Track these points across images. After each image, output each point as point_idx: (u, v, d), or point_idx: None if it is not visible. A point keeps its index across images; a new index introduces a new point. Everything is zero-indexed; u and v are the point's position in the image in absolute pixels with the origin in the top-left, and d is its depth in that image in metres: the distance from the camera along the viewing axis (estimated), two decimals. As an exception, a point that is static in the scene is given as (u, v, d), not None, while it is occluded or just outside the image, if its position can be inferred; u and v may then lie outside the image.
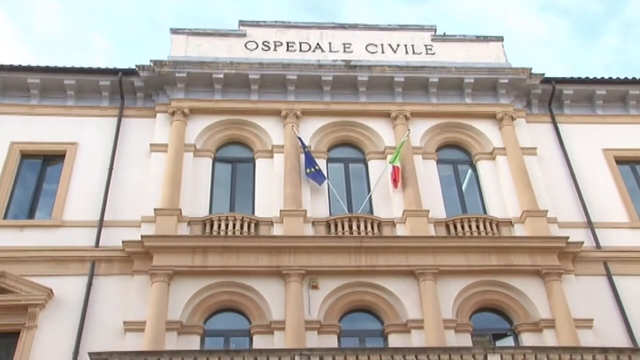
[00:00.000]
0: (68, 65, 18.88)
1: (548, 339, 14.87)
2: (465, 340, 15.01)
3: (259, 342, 14.71)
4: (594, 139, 19.00)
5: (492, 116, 19.02)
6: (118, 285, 15.27)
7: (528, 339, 15.02)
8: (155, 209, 16.20)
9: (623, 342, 14.70)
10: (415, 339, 14.87)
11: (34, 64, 18.86)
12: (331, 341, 14.82)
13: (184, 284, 15.26)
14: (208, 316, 15.28)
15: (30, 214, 16.80)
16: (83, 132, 17.99)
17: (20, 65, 18.69)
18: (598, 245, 16.73)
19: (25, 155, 17.70)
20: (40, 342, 14.19)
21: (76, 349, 14.00)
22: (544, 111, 19.72)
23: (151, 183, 16.95)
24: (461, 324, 15.31)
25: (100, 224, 16.10)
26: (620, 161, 18.70)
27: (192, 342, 14.57)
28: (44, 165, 17.72)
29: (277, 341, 14.60)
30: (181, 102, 18.39)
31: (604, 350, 12.32)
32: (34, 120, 18.08)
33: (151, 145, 17.73)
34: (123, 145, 17.80)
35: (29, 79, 18.36)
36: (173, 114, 18.19)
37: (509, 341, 15.39)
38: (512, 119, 18.84)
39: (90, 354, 11.72)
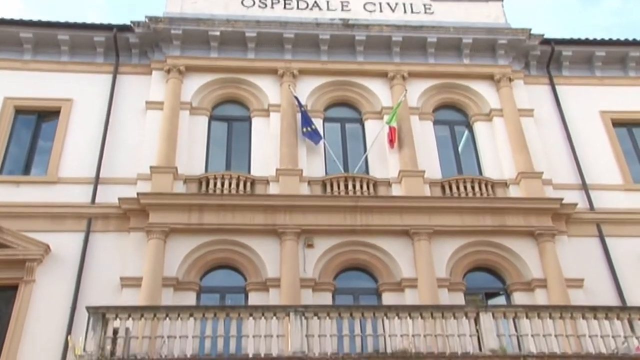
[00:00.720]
0: (62, 20, 18.58)
1: (539, 298, 15.12)
2: (459, 299, 15.22)
3: (255, 299, 14.90)
4: (591, 101, 18.94)
5: (489, 77, 18.91)
6: (114, 242, 15.36)
7: (520, 298, 15.26)
8: (151, 167, 16.19)
9: (612, 301, 14.95)
10: (409, 298, 15.07)
11: (26, 18, 18.58)
12: (326, 299, 15.02)
13: (180, 241, 15.36)
14: (204, 273, 15.43)
15: (26, 170, 16.76)
16: (78, 89, 17.79)
17: (12, 19, 18.39)
18: (592, 207, 16.88)
19: (19, 111, 17.55)
20: (39, 296, 14.35)
21: (74, 303, 14.17)
22: (542, 73, 19.59)
23: (147, 141, 16.89)
24: (454, 283, 15.51)
25: (96, 180, 16.10)
26: (617, 123, 18.69)
27: (188, 299, 14.75)
28: (38, 121, 17.59)
29: (272, 298, 14.78)
30: (177, 60, 18.19)
31: (593, 309, 12.52)
32: (27, 75, 17.84)
33: (147, 102, 17.61)
34: (118, 102, 17.66)
35: (21, 34, 18.06)
36: (169, 71, 18.02)
37: (501, 300, 15.64)
38: (510, 80, 18.74)
39: (88, 308, 11.85)
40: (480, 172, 17.59)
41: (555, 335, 12.18)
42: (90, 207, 15.75)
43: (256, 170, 16.94)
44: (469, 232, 16.03)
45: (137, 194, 15.59)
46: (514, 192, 16.91)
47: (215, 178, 16.41)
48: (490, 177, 17.24)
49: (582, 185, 17.23)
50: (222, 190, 16.17)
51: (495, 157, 17.69)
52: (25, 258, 14.61)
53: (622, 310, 12.74)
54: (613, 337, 12.21)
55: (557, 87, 19.13)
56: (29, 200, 15.66)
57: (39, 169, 16.78)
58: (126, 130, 17.18)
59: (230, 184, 16.31)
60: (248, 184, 16.52)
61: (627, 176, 17.63)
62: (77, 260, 14.84)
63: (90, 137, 16.90)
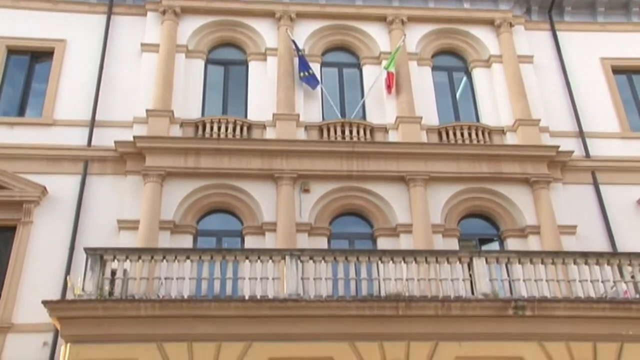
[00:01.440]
0: (54, -43, 18.06)
1: (532, 244, 15.32)
2: (453, 244, 15.41)
3: (251, 242, 15.06)
4: (592, 48, 18.70)
5: (490, 22, 18.63)
6: (111, 185, 15.39)
7: (513, 244, 15.46)
8: (147, 110, 16.08)
9: (604, 248, 15.16)
10: (404, 243, 15.24)
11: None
12: (321, 243, 15.18)
13: (176, 185, 15.40)
14: (201, 217, 15.54)
15: (20, 112, 16.62)
16: (71, 29, 17.46)
17: (2, -46, 17.90)
18: (587, 155, 16.92)
19: (12, 51, 17.26)
20: (37, 237, 14.48)
21: (72, 244, 14.33)
22: (544, 18, 19.27)
23: (143, 84, 16.71)
24: (449, 229, 15.67)
25: (92, 123, 16.00)
26: (617, 70, 18.52)
27: (185, 242, 14.90)
28: (32, 62, 17.31)
29: (269, 242, 14.95)
30: (172, 1, 17.81)
31: (585, 255, 12.69)
32: (19, 14, 17.47)
33: (142, 45, 17.34)
34: (113, 43, 17.36)
35: (12, -30, 17.64)
36: (164, 12, 17.68)
37: (494, 246, 15.85)
38: (511, 25, 18.46)
39: (86, 249, 11.96)
40: (478, 119, 17.54)
41: (547, 280, 12.39)
42: (86, 150, 15.70)
43: (253, 115, 16.85)
44: (464, 178, 16.10)
45: (134, 137, 15.53)
46: (510, 139, 16.90)
47: (211, 122, 16.32)
48: (487, 124, 17.20)
49: (579, 133, 17.22)
50: (218, 135, 16.12)
51: (493, 103, 17.60)
52: (23, 199, 14.66)
53: (613, 256, 12.92)
54: (602, 282, 12.43)
55: (558, 33, 18.86)
56: (24, 142, 15.58)
57: (33, 110, 16.64)
58: (121, 72, 16.96)
59: (226, 129, 16.24)
60: (245, 128, 16.45)
61: (625, 124, 17.60)
62: (74, 202, 14.90)
63: (85, 79, 16.69)
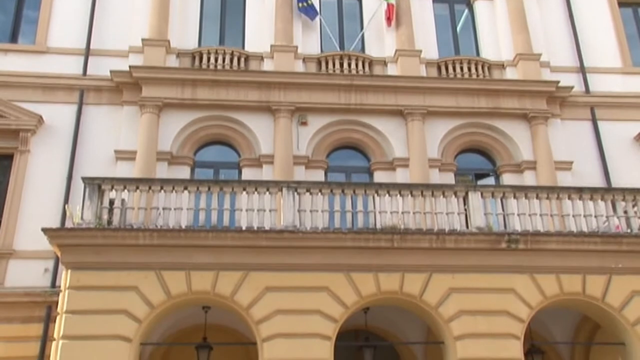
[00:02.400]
0: None
1: (528, 179, 15.43)
2: (449, 179, 15.50)
3: (248, 174, 15.12)
4: (598, -23, 18.29)
5: (492, -47, 18.14)
6: (108, 115, 15.31)
7: (509, 179, 15.57)
8: (142, 39, 15.81)
9: (599, 183, 15.32)
10: (400, 177, 15.32)
11: None
12: (318, 176, 15.26)
13: (173, 116, 15.32)
14: (198, 148, 15.53)
15: (13, 39, 16.29)
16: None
17: None
18: (587, 90, 16.81)
19: (2, -24, 16.85)
20: (34, 166, 14.51)
21: (69, 174, 14.38)
22: (548, -52, 18.75)
23: (138, 11, 16.36)
24: (446, 164, 15.73)
25: (87, 52, 15.75)
26: (623, 3, 18.14)
27: (183, 173, 14.95)
28: (23, -14, 16.94)
29: (266, 174, 15.02)
30: None
31: (579, 190, 12.79)
32: (8, -63, 16.95)
33: (137, -30, 16.89)
34: (107, -32, 16.92)
35: None
36: (159, -63, 17.11)
37: (490, 181, 15.95)
38: (514, -44, 17.98)
39: (84, 179, 11.99)
40: (478, 53, 17.32)
41: (541, 215, 12.53)
42: (81, 79, 15.52)
43: (250, 46, 16.59)
44: (462, 113, 16.04)
45: (129, 67, 15.34)
46: (510, 74, 16.75)
47: (208, 53, 16.08)
48: (487, 58, 16.99)
49: (579, 68, 17.05)
50: (215, 66, 15.91)
51: (494, 37, 17.34)
52: (19, 128, 14.62)
53: (607, 191, 13.03)
54: (596, 216, 12.58)
55: (562, -37, 18.39)
56: (18, 70, 15.36)
57: (26, 38, 16.32)
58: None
59: (224, 60, 16.02)
60: (242, 59, 16.22)
61: (627, 59, 17.39)
62: (70, 132, 14.85)
63: (79, 5, 16.33)
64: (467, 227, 12.42)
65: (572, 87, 16.46)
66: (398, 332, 13.94)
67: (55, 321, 11.21)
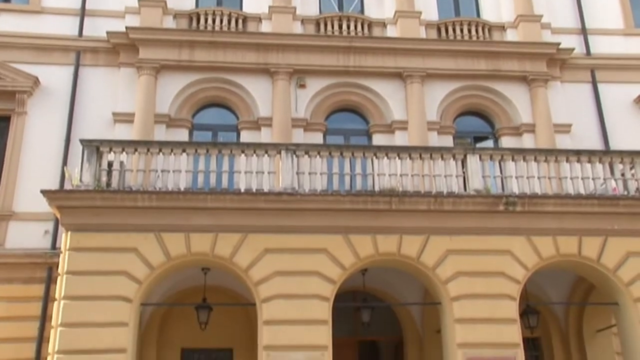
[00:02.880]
0: None
1: (527, 142, 15.43)
2: (448, 142, 15.49)
3: (246, 137, 15.10)
4: None
5: None
6: (105, 77, 15.19)
7: (507, 142, 15.57)
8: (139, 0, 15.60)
9: (597, 146, 15.32)
10: (399, 140, 15.31)
11: None
12: (317, 139, 15.22)
13: (171, 78, 15.22)
14: (196, 111, 15.47)
15: (6, -1, 16.13)
16: None
17: None
18: (588, 52, 16.69)
19: None
20: (32, 128, 14.48)
21: (67, 136, 14.35)
22: None
23: (133, -29, 16.10)
24: (444, 127, 15.69)
25: (82, 12, 15.56)
26: (628, -39, 17.91)
27: (181, 135, 14.92)
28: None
29: (264, 137, 14.98)
30: None
31: (578, 153, 12.79)
32: None
33: None
34: None
35: None
36: None
37: (489, 144, 15.94)
38: None
39: (81, 141, 11.96)
40: (478, 14, 17.13)
41: (538, 177, 12.55)
42: (77, 40, 15.37)
43: (248, 7, 16.40)
44: (462, 75, 15.95)
45: (126, 28, 15.16)
46: (511, 35, 16.60)
47: (206, 14, 15.89)
48: (488, 19, 16.81)
49: (581, 30, 16.90)
50: (213, 27, 15.74)
51: (496, -2, 17.14)
52: (15, 89, 14.52)
53: (605, 154, 13.05)
54: (593, 179, 12.61)
55: None
56: (12, 30, 15.16)
57: (20, -2, 16.13)
58: (111, -44, 16.30)
59: (221, 21, 15.84)
60: (240, 21, 16.04)
61: (629, 20, 17.20)
62: (67, 93, 14.77)
63: (72, -36, 16.06)
64: (465, 189, 12.45)
65: (572, 49, 16.33)
66: (395, 294, 14.11)
67: (56, 282, 11.32)
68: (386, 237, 11.84)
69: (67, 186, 12.55)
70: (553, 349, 14.16)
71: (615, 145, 15.33)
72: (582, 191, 12.41)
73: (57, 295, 10.98)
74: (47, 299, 12.64)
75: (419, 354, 14.00)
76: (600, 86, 16.23)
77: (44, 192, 11.28)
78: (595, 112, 16.03)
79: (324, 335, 11.13)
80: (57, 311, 10.80)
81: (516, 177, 12.50)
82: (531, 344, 13.78)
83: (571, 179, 12.52)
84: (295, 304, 11.24)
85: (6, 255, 13.01)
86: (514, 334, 11.46)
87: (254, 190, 11.94)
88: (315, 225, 11.76)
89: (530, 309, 13.18)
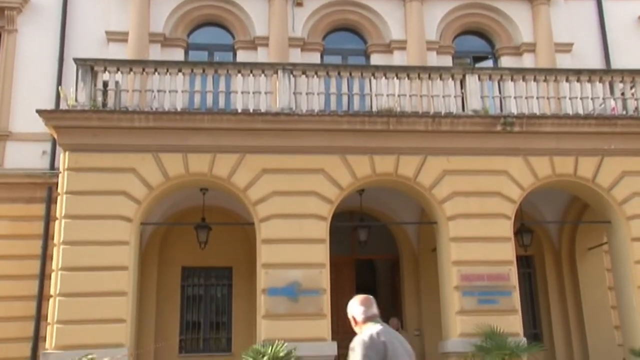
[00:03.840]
0: None
1: (527, 62, 15.24)
2: (447, 62, 15.30)
3: (243, 56, 14.87)
4: None
5: None
6: (97, -6, 14.83)
7: (507, 62, 15.38)
8: None
9: (598, 65, 15.13)
10: (397, 59, 15.10)
11: None
12: (314, 58, 15.01)
13: (165, -4, 14.85)
14: (191, 30, 15.18)
15: None
16: None
17: None
18: (594, -34, 16.26)
19: None
20: (24, 46, 14.24)
21: (60, 55, 14.13)
22: None
23: None
24: (444, 46, 15.45)
25: None
26: None
27: (176, 55, 14.69)
28: None
29: (261, 57, 14.76)
30: None
31: (578, 72, 12.65)
32: None
33: None
34: None
35: None
36: None
37: (488, 64, 15.73)
38: None
39: (75, 60, 11.77)
40: None
41: (537, 98, 12.48)
42: (67, -45, 14.85)
43: None
44: (463, -7, 15.57)
45: (117, -58, 14.65)
46: (514, -50, 16.06)
47: None
48: None
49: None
50: (207, -57, 15.20)
51: None
52: (3, 6, 14.19)
53: (605, 73, 12.92)
54: (592, 99, 12.55)
55: None
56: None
57: None
58: None
59: (215, -64, 15.28)
60: (235, -64, 15.47)
61: None
62: (59, 11, 14.41)
63: None
64: (463, 109, 12.40)
65: (578, -36, 15.90)
66: (392, 214, 14.30)
67: (56, 202, 11.44)
68: (383, 158, 11.89)
69: (63, 106, 12.45)
70: (545, 266, 14.51)
71: (616, 64, 15.14)
72: (581, 111, 12.37)
73: (58, 215, 11.12)
74: (48, 218, 12.81)
75: (414, 272, 14.33)
76: (604, 3, 15.85)
77: (39, 112, 11.20)
78: (598, 30, 15.73)
79: (321, 254, 11.36)
80: (59, 230, 10.96)
81: (515, 98, 12.44)
82: (524, 262, 14.10)
83: (570, 99, 12.46)
84: (293, 223, 11.40)
85: (6, 175, 13.08)
86: (508, 252, 11.71)
87: (251, 110, 11.89)
88: (312, 146, 11.77)
89: (524, 228, 13.42)
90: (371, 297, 4.88)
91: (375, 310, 4.79)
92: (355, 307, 4.78)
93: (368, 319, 4.72)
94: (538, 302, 14.51)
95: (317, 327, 10.95)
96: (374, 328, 4.62)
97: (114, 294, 10.69)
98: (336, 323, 11.22)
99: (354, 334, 4.77)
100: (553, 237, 14.57)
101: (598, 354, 13.47)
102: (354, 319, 4.78)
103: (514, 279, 11.58)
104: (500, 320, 11.11)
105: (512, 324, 11.25)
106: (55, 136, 11.59)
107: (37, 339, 12.13)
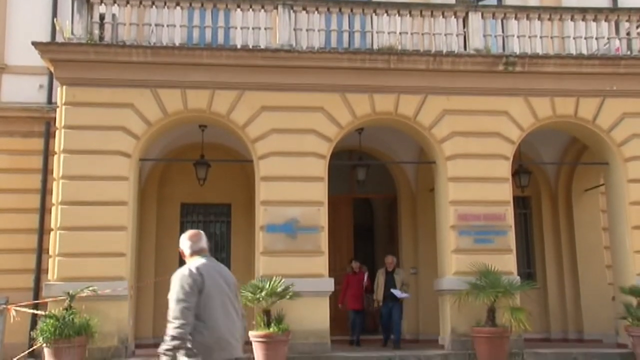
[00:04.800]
0: None
1: (531, 0, 14.92)
2: (449, -1, 14.96)
3: (242, -9, 14.49)
4: None
5: None
6: None
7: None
8: None
9: (605, 3, 14.75)
10: (399, -6, 14.74)
11: None
12: (315, -5, 14.66)
13: None
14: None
15: None
16: None
17: None
18: None
19: None
20: None
21: (53, -13, 13.77)
22: None
23: None
24: (447, -18, 15.07)
25: None
26: None
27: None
28: None
29: (260, -9, 14.41)
30: None
31: (583, 11, 12.40)
32: None
33: None
34: None
35: None
36: None
37: (492, 1, 15.37)
38: None
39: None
40: None
41: (541, 37, 12.31)
42: None
43: None
44: None
45: None
46: None
47: None
48: None
49: None
50: None
51: None
52: None
53: (612, 11, 12.67)
54: (597, 38, 12.39)
55: None
56: None
57: None
58: None
59: None
60: None
61: None
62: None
63: None
64: (465, 48, 12.26)
65: None
66: (391, 153, 14.31)
67: (54, 136, 11.42)
68: (383, 96, 11.83)
69: (59, 39, 12.26)
70: (542, 207, 14.64)
71: (623, 2, 14.76)
72: (584, 51, 12.22)
73: (57, 149, 11.13)
74: (47, 153, 12.80)
75: (411, 212, 14.46)
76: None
77: (35, 44, 11.04)
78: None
79: (319, 192, 11.45)
80: (58, 164, 10.99)
81: (518, 37, 12.28)
82: (521, 203, 14.21)
83: (574, 38, 12.29)
84: (292, 161, 11.45)
85: (3, 109, 12.98)
86: (505, 192, 11.81)
87: (251, 46, 11.75)
88: (312, 83, 11.70)
89: (522, 169, 13.49)
90: (201, 232, 5.14)
91: (202, 244, 5.03)
92: (184, 241, 5.06)
93: (195, 252, 4.98)
94: (533, 242, 14.71)
95: (315, 263, 11.14)
96: (197, 262, 4.88)
97: (114, 228, 10.82)
98: (333, 260, 11.41)
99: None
100: (550, 178, 14.65)
101: (589, 292, 13.77)
102: (182, 252, 5.06)
103: (510, 219, 11.72)
104: (495, 259, 11.31)
105: (507, 263, 11.45)
106: (52, 70, 11.47)
107: (40, 271, 12.32)
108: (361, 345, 12.63)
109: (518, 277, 11.44)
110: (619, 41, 12.39)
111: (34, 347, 10.23)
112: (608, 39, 12.37)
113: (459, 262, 11.40)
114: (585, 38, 12.28)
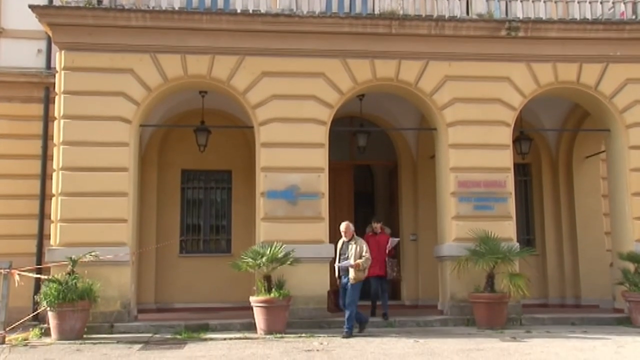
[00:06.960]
0: None
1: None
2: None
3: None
4: None
5: None
6: None
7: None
8: None
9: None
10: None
11: None
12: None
13: None
14: None
15: None
16: None
17: None
18: None
19: None
20: None
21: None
22: None
23: None
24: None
25: None
26: None
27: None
28: None
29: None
30: None
31: None
32: None
33: None
34: None
35: None
36: None
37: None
38: None
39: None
40: None
41: (544, 2, 12.16)
42: None
43: None
44: None
45: None
46: None
47: None
48: None
49: None
50: None
51: None
52: None
53: None
54: (601, 2, 12.23)
55: None
56: None
57: None
58: None
59: None
60: None
61: None
62: None
63: None
64: (468, 13, 12.13)
65: None
66: (392, 120, 14.26)
67: (54, 102, 11.35)
68: (385, 62, 11.74)
69: (57, 2, 12.11)
70: (542, 174, 14.65)
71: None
72: (588, 16, 12.09)
73: (56, 115, 11.08)
74: (47, 118, 12.73)
75: (412, 178, 14.48)
76: None
77: (32, 8, 10.90)
78: None
79: (320, 158, 11.44)
80: (58, 130, 10.97)
81: (521, 1, 12.12)
82: (521, 170, 14.23)
83: (578, 2, 12.16)
84: (292, 127, 11.42)
85: (2, 74, 12.84)
86: (506, 159, 11.81)
87: (251, 11, 11.61)
88: (313, 49, 11.61)
89: (523, 136, 13.46)
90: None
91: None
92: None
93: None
94: (533, 209, 14.75)
95: (315, 229, 11.20)
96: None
97: (115, 194, 10.85)
98: (333, 227, 11.46)
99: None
100: (551, 145, 14.62)
101: (587, 258, 13.87)
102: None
103: (510, 186, 11.74)
104: (495, 225, 11.37)
105: (506, 230, 11.51)
106: (50, 34, 11.35)
107: (42, 236, 12.37)
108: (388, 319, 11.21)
109: (517, 244, 11.51)
110: (624, 5, 12.23)
111: (38, 310, 10.35)
112: (613, 3, 12.23)
113: (459, 229, 11.46)
114: (590, 2, 12.13)
